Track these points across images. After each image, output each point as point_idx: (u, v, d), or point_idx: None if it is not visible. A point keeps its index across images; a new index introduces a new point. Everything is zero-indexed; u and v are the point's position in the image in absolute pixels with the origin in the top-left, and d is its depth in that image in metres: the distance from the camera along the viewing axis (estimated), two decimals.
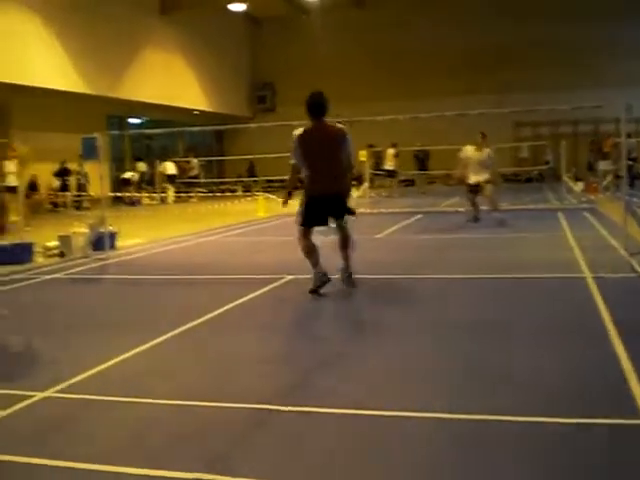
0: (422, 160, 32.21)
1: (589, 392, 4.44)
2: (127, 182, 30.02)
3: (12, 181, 17.16)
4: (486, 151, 15.09)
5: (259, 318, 7.04)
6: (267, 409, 4.25)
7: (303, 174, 8.13)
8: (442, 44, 36.50)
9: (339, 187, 8.07)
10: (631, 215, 10.41)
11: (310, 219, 8.03)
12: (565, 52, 34.79)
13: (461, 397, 4.40)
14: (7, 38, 22.61)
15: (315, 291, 7.77)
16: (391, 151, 27.47)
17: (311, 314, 7.36)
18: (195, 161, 33.23)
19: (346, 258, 8.12)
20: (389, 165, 27.11)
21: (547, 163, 33.87)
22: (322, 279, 7.80)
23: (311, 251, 7.94)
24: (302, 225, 8.04)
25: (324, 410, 4.24)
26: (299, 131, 8.08)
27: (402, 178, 31.76)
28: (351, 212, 8.26)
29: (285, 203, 8.52)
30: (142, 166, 32.17)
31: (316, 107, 8.01)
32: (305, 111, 7.99)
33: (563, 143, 25.04)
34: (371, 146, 26.26)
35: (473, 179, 14.93)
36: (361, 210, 20.30)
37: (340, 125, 8.32)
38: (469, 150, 15.11)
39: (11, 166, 17.71)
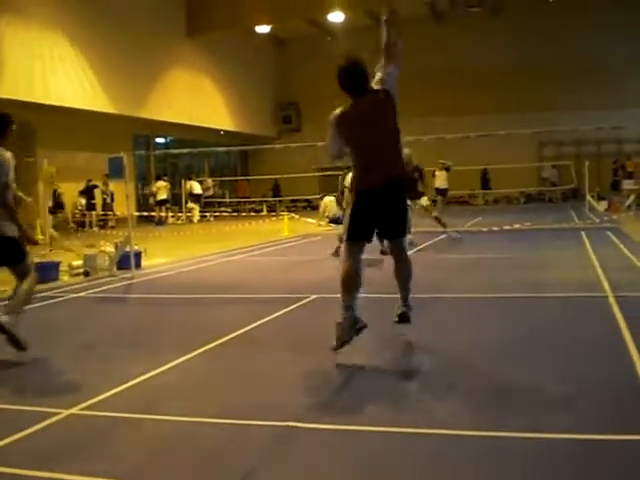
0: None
1: (613, 409, 4.46)
2: (163, 202, 29.98)
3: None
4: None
5: (285, 337, 7.06)
6: (294, 426, 4.31)
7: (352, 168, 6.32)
8: (469, 63, 36.61)
9: (399, 172, 6.08)
10: None
11: (359, 229, 6.06)
12: (590, 72, 34.74)
13: (484, 415, 4.45)
14: (32, 57, 22.88)
15: (341, 346, 5.80)
16: (443, 172, 26.17)
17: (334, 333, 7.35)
18: (209, 181, 33.24)
19: (406, 289, 6.46)
20: (441, 184, 25.73)
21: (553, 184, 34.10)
22: (350, 330, 5.80)
23: (351, 280, 5.92)
24: (348, 239, 6.07)
25: (352, 428, 4.30)
26: (337, 112, 6.12)
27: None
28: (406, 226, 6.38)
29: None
30: (165, 186, 31.52)
31: (354, 81, 6.02)
32: (340, 88, 6.08)
33: (586, 163, 25.06)
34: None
35: None
36: None
37: (378, 86, 6.13)
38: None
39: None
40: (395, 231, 6.24)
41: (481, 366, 5.65)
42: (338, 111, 6.08)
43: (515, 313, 7.98)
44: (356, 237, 6.05)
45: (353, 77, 6.00)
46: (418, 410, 4.63)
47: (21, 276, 6.55)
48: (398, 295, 6.43)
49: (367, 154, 6.04)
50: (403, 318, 6.47)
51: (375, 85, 6.09)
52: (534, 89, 35.62)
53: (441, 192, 24.97)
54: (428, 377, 5.41)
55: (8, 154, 6.34)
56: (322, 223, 19.94)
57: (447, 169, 24.71)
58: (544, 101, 35.07)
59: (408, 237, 13.37)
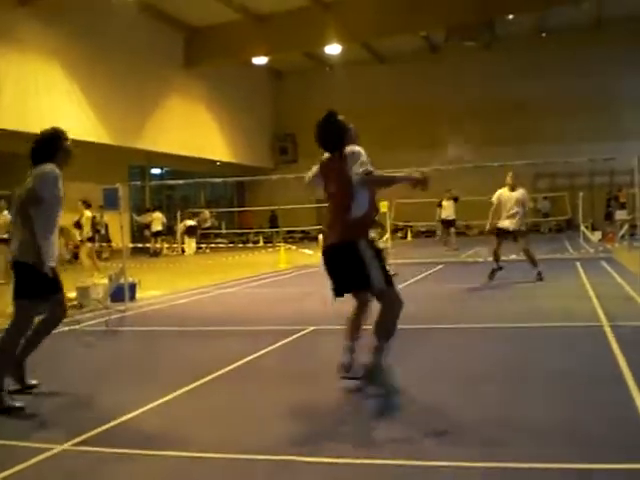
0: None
1: (608, 439, 4.45)
2: (158, 233, 29.93)
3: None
4: (520, 191, 14.21)
5: (282, 369, 7.04)
6: (291, 460, 4.29)
7: None
8: (462, 96, 36.91)
9: (344, 234, 5.79)
10: None
11: (333, 285, 5.99)
12: (583, 105, 35.11)
13: (476, 446, 4.41)
14: (26, 87, 23.03)
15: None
16: (450, 201, 25.30)
17: (334, 365, 7.20)
18: (207, 212, 33.21)
19: (376, 349, 5.82)
20: (448, 215, 25.10)
21: (546, 215, 34.27)
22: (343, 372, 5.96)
23: (347, 329, 6.08)
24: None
25: (350, 461, 4.27)
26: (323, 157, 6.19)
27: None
28: (377, 277, 5.73)
29: None
30: (160, 217, 30.72)
31: (322, 139, 6.09)
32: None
33: (580, 194, 25.23)
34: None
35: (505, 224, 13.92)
36: None
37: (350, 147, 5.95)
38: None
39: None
40: (355, 280, 5.83)
41: (474, 396, 5.63)
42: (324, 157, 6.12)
43: (510, 343, 7.97)
44: (335, 292, 5.99)
45: (323, 134, 6.07)
46: (414, 442, 4.58)
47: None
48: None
49: (328, 208, 6.07)
50: (371, 379, 5.89)
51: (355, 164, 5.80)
52: (527, 121, 35.88)
53: (448, 223, 24.79)
54: (421, 410, 5.37)
55: (54, 170, 6.20)
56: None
57: (455, 199, 24.59)
58: (539, 133, 35.34)
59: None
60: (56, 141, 6.39)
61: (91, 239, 17.87)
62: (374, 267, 5.68)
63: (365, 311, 6.10)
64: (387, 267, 5.87)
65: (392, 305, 5.81)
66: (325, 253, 5.96)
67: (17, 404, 5.70)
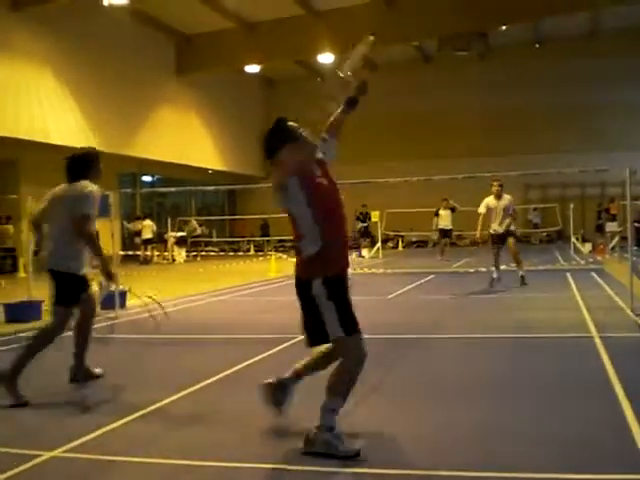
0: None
1: (597, 449, 4.47)
2: (148, 241, 29.84)
3: None
4: (506, 198, 14.68)
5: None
6: (282, 469, 4.30)
7: None
8: (454, 107, 37.06)
9: (299, 271, 5.07)
10: (637, 276, 10.48)
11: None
12: (575, 116, 35.23)
13: (465, 454, 4.42)
14: (18, 93, 22.94)
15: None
16: (447, 210, 24.83)
17: (322, 375, 7.15)
18: (194, 222, 33.04)
19: (327, 410, 4.64)
20: (445, 224, 24.83)
21: (536, 225, 34.41)
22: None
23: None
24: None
25: (341, 470, 4.27)
26: None
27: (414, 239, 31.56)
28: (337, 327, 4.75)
29: None
30: (150, 225, 30.34)
31: (263, 146, 5.26)
32: None
33: (571, 205, 25.32)
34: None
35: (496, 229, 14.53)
36: (373, 270, 20.46)
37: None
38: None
39: None
40: (314, 333, 4.96)
41: (463, 405, 5.63)
42: None
43: (500, 353, 7.98)
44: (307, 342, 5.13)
45: (264, 142, 5.24)
46: (402, 451, 4.58)
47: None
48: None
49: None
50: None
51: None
52: (520, 132, 36.03)
53: (445, 233, 24.69)
54: (410, 420, 5.37)
55: (94, 187, 6.57)
56: None
57: (452, 209, 24.52)
58: (530, 144, 35.49)
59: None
60: (93, 160, 6.85)
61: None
62: (328, 310, 4.75)
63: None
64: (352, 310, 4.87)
65: (349, 357, 4.84)
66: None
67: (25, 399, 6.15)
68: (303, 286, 4.90)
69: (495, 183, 14.71)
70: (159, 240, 31.16)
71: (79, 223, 6.37)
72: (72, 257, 6.50)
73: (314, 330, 4.89)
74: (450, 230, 24.73)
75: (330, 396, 4.65)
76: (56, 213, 6.58)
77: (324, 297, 4.76)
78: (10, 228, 24.77)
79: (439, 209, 24.69)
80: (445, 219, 24.40)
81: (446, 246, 24.57)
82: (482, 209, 14.66)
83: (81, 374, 6.83)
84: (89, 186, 6.52)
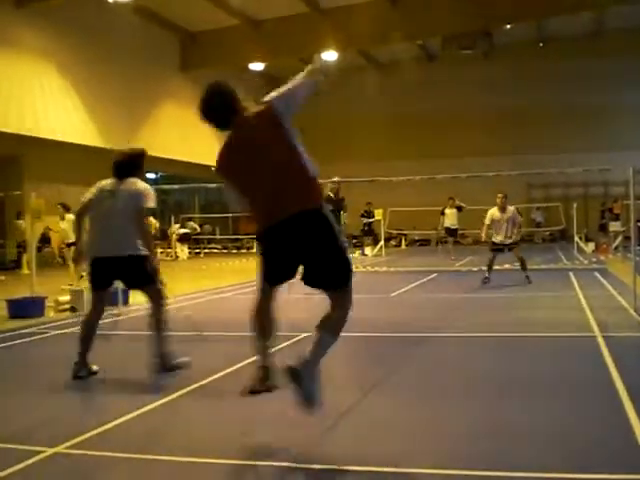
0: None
1: (600, 449, 4.46)
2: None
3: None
4: (510, 210, 15.12)
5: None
6: (289, 467, 4.28)
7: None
8: (457, 106, 37.01)
9: (305, 200, 4.67)
10: None
11: (270, 270, 5.06)
12: (578, 115, 35.17)
13: (467, 453, 4.42)
14: (23, 89, 23.00)
15: (255, 392, 5.54)
16: (454, 209, 24.65)
17: (325, 372, 7.12)
18: (191, 224, 32.88)
19: (317, 344, 4.64)
20: (452, 223, 24.45)
21: (539, 225, 34.39)
22: (264, 383, 5.43)
23: (263, 324, 5.28)
24: (262, 279, 5.15)
25: (345, 468, 4.27)
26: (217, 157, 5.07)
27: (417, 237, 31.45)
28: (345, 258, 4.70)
29: None
30: (151, 221, 31.01)
31: (213, 113, 5.05)
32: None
33: (574, 205, 25.27)
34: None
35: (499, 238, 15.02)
36: (376, 269, 20.45)
37: (264, 101, 5.01)
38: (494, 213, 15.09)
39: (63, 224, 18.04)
40: (329, 277, 4.69)
41: (466, 403, 5.63)
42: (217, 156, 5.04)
43: (502, 352, 7.97)
44: (267, 280, 5.14)
45: (211, 108, 5.03)
46: (404, 449, 4.58)
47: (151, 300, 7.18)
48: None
49: (260, 194, 4.79)
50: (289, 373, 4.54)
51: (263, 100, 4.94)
52: (523, 131, 35.99)
53: (451, 232, 24.55)
54: (410, 419, 5.37)
55: (145, 185, 7.22)
56: None
57: (459, 208, 24.38)
58: (533, 143, 35.44)
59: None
60: (142, 159, 7.54)
61: (75, 243, 17.67)
62: (344, 247, 4.67)
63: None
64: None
65: (351, 299, 4.79)
66: (275, 230, 4.70)
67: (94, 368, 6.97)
68: (311, 215, 4.61)
69: (499, 195, 15.07)
70: (162, 237, 31.16)
71: (144, 216, 7.03)
72: (140, 244, 6.90)
73: (318, 270, 4.67)
74: (456, 229, 24.55)
75: (327, 333, 4.65)
76: (112, 205, 6.97)
77: (337, 227, 4.67)
78: (23, 223, 24.70)
79: (445, 208, 24.48)
80: (451, 218, 24.20)
81: (452, 245, 24.44)
82: (487, 221, 15.12)
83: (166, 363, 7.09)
84: (144, 184, 7.20)
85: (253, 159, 4.69)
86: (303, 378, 4.46)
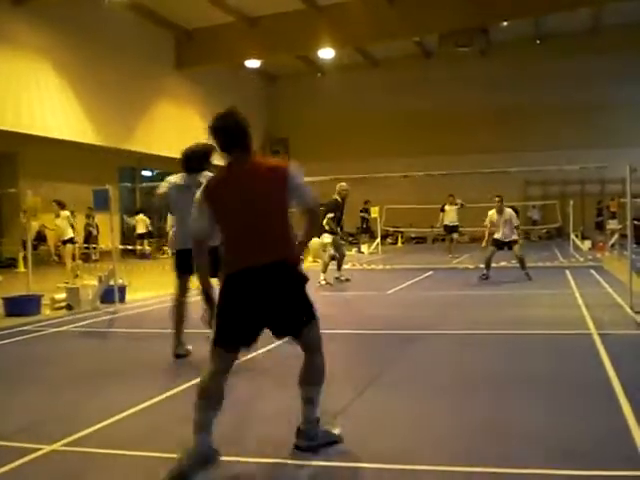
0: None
1: (595, 446, 4.48)
2: (141, 236, 29.86)
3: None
4: (507, 212, 15.61)
5: (272, 372, 7.04)
6: (285, 463, 4.32)
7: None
8: (454, 103, 36.95)
9: (280, 252, 4.51)
10: (636, 273, 10.49)
11: (229, 329, 4.44)
12: (575, 113, 35.17)
13: (462, 449, 4.44)
14: (19, 87, 22.94)
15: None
16: (453, 206, 23.99)
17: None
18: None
19: (311, 402, 4.66)
20: (452, 220, 23.80)
21: (535, 222, 34.49)
22: (199, 460, 4.18)
23: (207, 403, 4.47)
24: (214, 344, 4.45)
25: (345, 464, 4.30)
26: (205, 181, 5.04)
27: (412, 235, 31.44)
28: (309, 313, 4.57)
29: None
30: (143, 219, 30.27)
31: (222, 133, 4.74)
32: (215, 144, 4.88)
33: (571, 202, 25.26)
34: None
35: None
36: (372, 266, 20.47)
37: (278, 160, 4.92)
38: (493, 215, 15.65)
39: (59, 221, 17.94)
40: (288, 317, 4.51)
41: (462, 401, 5.65)
42: (208, 179, 5.01)
43: (498, 350, 7.99)
44: (223, 342, 4.44)
45: (218, 128, 4.74)
46: (400, 446, 4.59)
47: None
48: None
49: (238, 233, 4.58)
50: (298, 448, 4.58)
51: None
52: (520, 128, 35.98)
53: (451, 229, 24.18)
54: (408, 417, 5.37)
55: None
56: (310, 258, 20.00)
57: (460, 206, 24.05)
58: (530, 140, 35.42)
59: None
60: (210, 154, 7.66)
61: (71, 240, 17.65)
62: (306, 296, 4.59)
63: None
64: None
65: (319, 342, 4.71)
66: (244, 276, 4.44)
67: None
68: (287, 269, 4.49)
69: (496, 198, 15.76)
70: (159, 234, 31.11)
71: None
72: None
73: (285, 320, 4.49)
74: (456, 226, 24.11)
75: (313, 386, 4.64)
76: (188, 200, 6.50)
77: (304, 282, 4.56)
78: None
79: (445, 205, 24.10)
80: (451, 215, 23.82)
81: (452, 242, 24.12)
82: (487, 223, 15.74)
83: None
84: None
85: (246, 201, 4.51)
86: (318, 441, 4.57)
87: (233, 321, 4.39)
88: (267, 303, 4.38)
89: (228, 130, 4.69)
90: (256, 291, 4.37)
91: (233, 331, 4.41)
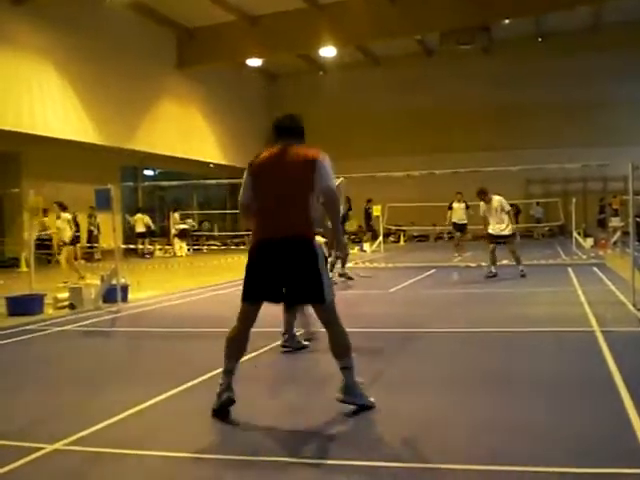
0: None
1: (598, 443, 4.46)
2: (141, 235, 29.86)
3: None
4: (495, 200, 15.57)
5: (274, 371, 7.06)
6: (287, 462, 4.29)
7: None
8: (456, 101, 36.98)
9: (299, 228, 5.30)
10: (638, 271, 10.47)
11: (253, 286, 5.45)
12: (576, 110, 35.16)
13: (467, 448, 4.42)
14: (20, 87, 22.98)
15: (218, 411, 5.28)
16: (461, 204, 23.56)
17: (324, 367, 6.83)
18: (176, 216, 32.48)
19: (346, 369, 5.40)
20: (460, 218, 23.35)
21: (538, 220, 34.48)
22: (224, 400, 5.28)
23: (233, 345, 5.73)
24: (243, 300, 5.54)
25: (340, 462, 4.27)
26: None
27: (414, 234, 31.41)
28: (323, 291, 5.28)
29: None
30: (142, 218, 30.22)
31: (281, 127, 5.67)
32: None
33: (573, 200, 25.23)
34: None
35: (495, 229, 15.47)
36: (375, 265, 20.45)
37: (314, 149, 5.51)
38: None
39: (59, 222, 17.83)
40: (301, 285, 5.31)
41: (463, 400, 5.63)
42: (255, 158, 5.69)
43: (500, 348, 7.97)
44: (249, 297, 5.51)
45: (279, 124, 5.73)
46: (402, 444, 4.59)
47: None
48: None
49: (266, 207, 5.43)
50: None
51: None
52: (522, 126, 35.97)
53: (459, 227, 23.86)
54: (411, 415, 5.37)
55: None
56: None
57: (466, 206, 23.71)
58: (532, 138, 35.41)
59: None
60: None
61: (72, 242, 17.60)
62: (326, 274, 5.35)
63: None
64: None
65: (338, 316, 5.40)
66: (267, 246, 5.31)
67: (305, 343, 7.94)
68: (301, 244, 5.28)
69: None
70: (161, 234, 31.09)
71: None
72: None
73: (299, 290, 5.35)
74: (464, 224, 23.69)
75: (343, 358, 5.35)
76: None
77: (322, 257, 5.36)
78: (46, 220, 24.57)
79: (453, 202, 23.73)
80: (459, 213, 23.43)
81: (460, 241, 23.76)
82: (481, 213, 15.81)
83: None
84: None
85: (281, 176, 5.38)
86: (355, 398, 5.35)
87: (254, 280, 5.36)
88: (282, 270, 5.24)
89: (291, 124, 5.76)
90: (274, 259, 5.26)
91: (254, 288, 5.38)
